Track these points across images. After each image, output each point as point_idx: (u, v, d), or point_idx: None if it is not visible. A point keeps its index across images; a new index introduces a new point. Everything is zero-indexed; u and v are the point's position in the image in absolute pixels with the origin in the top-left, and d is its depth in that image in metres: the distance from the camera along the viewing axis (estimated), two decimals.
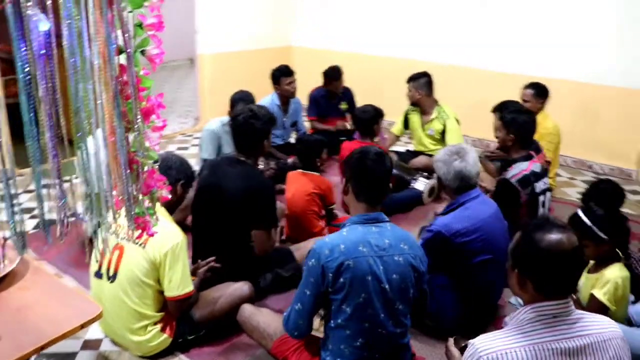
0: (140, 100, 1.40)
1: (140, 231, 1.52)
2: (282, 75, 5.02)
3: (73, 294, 1.91)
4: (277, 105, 5.07)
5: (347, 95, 5.77)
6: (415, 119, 4.99)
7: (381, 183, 2.19)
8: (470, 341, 1.66)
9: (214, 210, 2.93)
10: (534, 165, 3.23)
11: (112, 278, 2.34)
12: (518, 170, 3.17)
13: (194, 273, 2.62)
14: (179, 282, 2.34)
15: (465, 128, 5.08)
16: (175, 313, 2.44)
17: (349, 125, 5.66)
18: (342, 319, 2.08)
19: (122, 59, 1.34)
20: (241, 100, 4.13)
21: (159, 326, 2.41)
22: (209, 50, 6.53)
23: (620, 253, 2.57)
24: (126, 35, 1.31)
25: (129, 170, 1.40)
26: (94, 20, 1.26)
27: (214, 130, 4.24)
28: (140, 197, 1.47)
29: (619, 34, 5.22)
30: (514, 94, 4.64)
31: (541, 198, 3.24)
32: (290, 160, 4.92)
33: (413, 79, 4.80)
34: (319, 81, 5.73)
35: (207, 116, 6.56)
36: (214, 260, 2.70)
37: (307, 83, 5.68)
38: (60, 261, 3.31)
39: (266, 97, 5.09)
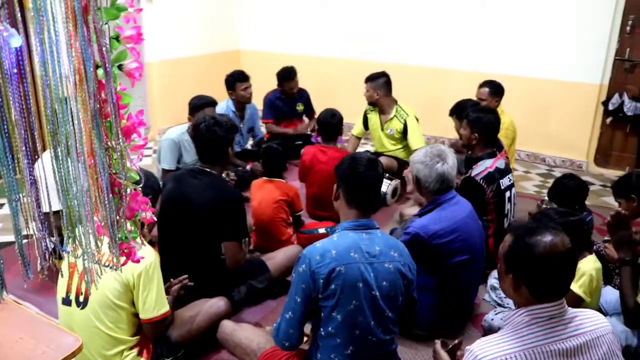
0: (120, 119, 1.30)
1: (124, 258, 1.42)
2: (236, 80, 4.90)
3: (48, 326, 1.77)
4: (232, 112, 4.96)
5: (303, 96, 5.70)
6: (374, 119, 4.98)
7: (373, 190, 2.18)
8: (468, 347, 1.65)
9: (181, 224, 2.81)
10: (498, 162, 3.27)
11: (82, 304, 2.20)
12: (483, 167, 3.20)
13: (166, 292, 2.50)
14: (154, 303, 2.22)
15: (421, 126, 5.12)
16: (152, 336, 2.32)
17: (309, 129, 5.62)
18: (332, 326, 2.03)
19: (100, 74, 1.24)
20: (205, 105, 4.01)
21: (135, 350, 2.29)
22: (157, 57, 6.34)
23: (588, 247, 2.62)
24: (103, 49, 1.21)
25: (111, 195, 1.31)
26: (67, 35, 1.16)
27: (173, 139, 4.10)
28: (123, 221, 1.37)
29: (567, 31, 5.41)
30: (468, 91, 4.72)
31: (507, 194, 3.28)
32: (248, 166, 4.83)
33: (371, 79, 4.79)
34: (270, 84, 5.65)
35: (158, 125, 6.37)
36: (187, 279, 2.59)
37: (258, 87, 5.57)
38: (16, 287, 3.10)
39: (221, 103, 4.96)
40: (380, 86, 4.74)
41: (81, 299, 2.20)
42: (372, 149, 5.30)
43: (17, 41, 1.07)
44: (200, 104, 4.00)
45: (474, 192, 3.14)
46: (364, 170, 2.13)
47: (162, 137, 4.35)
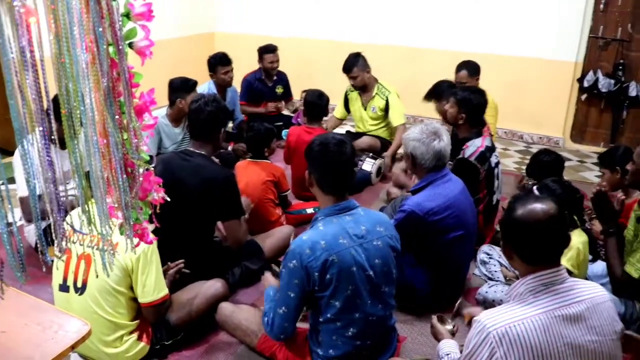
0: (132, 98, 1.28)
1: (137, 239, 1.41)
2: (218, 63, 4.83)
3: (52, 312, 1.74)
4: (214, 94, 4.90)
5: (283, 79, 5.66)
6: (355, 99, 4.98)
7: (346, 172, 2.12)
8: (476, 318, 1.68)
9: (174, 207, 2.77)
10: (486, 140, 3.30)
11: (80, 290, 2.17)
12: (474, 148, 3.22)
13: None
14: (153, 286, 2.21)
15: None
16: (152, 319, 2.31)
17: (283, 108, 5.56)
18: (331, 313, 2.05)
19: (111, 52, 1.21)
20: (183, 86, 3.95)
21: (135, 335, 2.28)
22: None
23: (577, 219, 2.69)
24: (115, 26, 1.19)
25: (125, 175, 1.29)
26: (79, 11, 1.13)
27: None
28: (137, 202, 1.35)
29: (542, 9, 5.47)
30: (444, 70, 4.73)
31: (495, 171, 3.33)
32: (230, 147, 4.79)
33: (354, 63, 4.71)
34: (246, 67, 5.58)
35: None
36: (183, 263, 2.57)
37: (235, 69, 5.51)
38: (6, 275, 3.03)
39: (202, 85, 4.90)
40: (365, 65, 4.74)
41: (79, 284, 2.18)
42: (353, 130, 5.30)
43: (32, 18, 1.03)
44: (189, 86, 3.94)
45: (469, 172, 3.15)
46: (334, 155, 2.08)
47: None
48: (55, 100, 1.11)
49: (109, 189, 1.29)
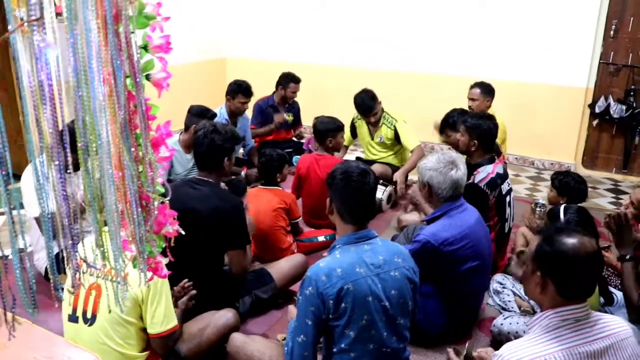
0: (149, 130, 1.26)
1: (151, 273, 1.38)
2: (241, 92, 4.88)
3: (62, 344, 1.71)
4: (225, 119, 4.92)
5: (295, 107, 5.69)
6: (362, 127, 4.98)
7: (367, 203, 2.10)
8: (496, 352, 1.64)
9: (184, 236, 2.75)
10: (498, 167, 3.28)
11: (90, 321, 2.13)
12: (485, 174, 3.19)
13: (174, 304, 2.45)
14: (163, 317, 2.16)
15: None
16: (161, 350, 2.26)
17: (286, 116, 5.54)
18: (345, 343, 2.00)
19: (129, 85, 1.20)
20: (197, 116, 3.96)
21: None
22: None
23: None
24: (134, 58, 1.18)
25: (140, 209, 1.27)
26: (98, 44, 1.12)
27: None
28: (151, 235, 1.33)
29: (553, 36, 5.48)
30: (457, 97, 4.73)
31: (507, 198, 3.30)
32: (243, 172, 4.79)
33: (373, 102, 4.68)
34: (256, 92, 5.60)
35: None
36: (188, 282, 2.54)
37: None
38: (16, 306, 3.01)
39: (215, 109, 4.93)
40: (377, 100, 4.72)
41: (89, 315, 2.14)
42: (362, 156, 5.29)
43: (53, 51, 1.03)
44: (208, 116, 3.94)
45: (478, 198, 3.11)
46: (357, 185, 2.05)
47: None
48: (72, 130, 1.10)
49: (124, 222, 1.27)
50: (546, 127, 5.72)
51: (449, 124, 4.12)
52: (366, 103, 4.68)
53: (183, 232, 1.46)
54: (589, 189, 5.17)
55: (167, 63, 1.30)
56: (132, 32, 1.21)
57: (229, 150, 2.83)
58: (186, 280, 2.55)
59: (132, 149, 1.23)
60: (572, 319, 1.59)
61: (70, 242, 1.17)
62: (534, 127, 5.75)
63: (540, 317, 1.64)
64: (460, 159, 2.71)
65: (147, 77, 1.29)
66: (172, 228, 1.40)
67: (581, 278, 1.60)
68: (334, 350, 2.04)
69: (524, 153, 5.90)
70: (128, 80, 1.20)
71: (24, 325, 1.80)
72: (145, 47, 1.25)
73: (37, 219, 2.88)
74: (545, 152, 5.82)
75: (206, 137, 2.77)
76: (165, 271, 1.40)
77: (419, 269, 2.57)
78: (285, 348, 2.07)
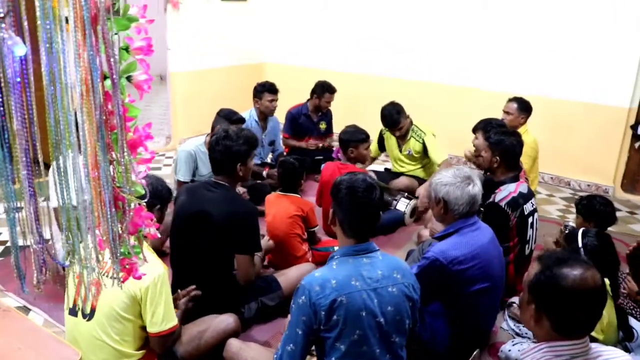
0: (126, 131, 1.27)
1: (124, 274, 1.38)
2: (265, 90, 4.91)
3: (48, 338, 1.75)
4: (255, 121, 4.95)
5: (328, 115, 5.67)
6: (390, 140, 4.93)
7: (370, 219, 2.06)
8: None
9: (194, 236, 2.78)
10: (521, 187, 3.17)
11: (88, 316, 2.16)
12: (506, 192, 3.09)
13: (175, 305, 2.46)
14: (162, 317, 2.18)
15: (443, 146, 5.04)
16: (159, 350, 2.27)
17: (321, 144, 5.55)
18: (336, 356, 1.96)
19: (107, 85, 1.21)
20: (223, 118, 4.00)
21: None
22: (181, 67, 6.38)
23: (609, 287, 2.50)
24: (111, 59, 1.18)
25: (114, 209, 1.27)
26: (76, 44, 1.13)
27: (189, 151, 4.09)
28: (126, 236, 1.33)
29: (595, 53, 5.29)
30: (492, 111, 4.61)
31: (530, 219, 3.18)
32: (265, 172, 4.79)
33: (399, 116, 4.65)
34: (293, 98, 5.62)
35: (180, 135, 6.40)
36: (195, 289, 2.55)
37: (280, 100, 5.55)
38: (28, 294, 3.10)
39: (245, 112, 4.97)
40: (405, 114, 4.68)
41: (87, 310, 2.17)
42: (391, 167, 5.22)
43: (21, 49, 1.03)
44: (232, 120, 3.96)
45: (498, 218, 3.02)
46: (362, 199, 2.00)
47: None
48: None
49: (98, 222, 1.27)
50: (584, 147, 5.51)
51: (482, 128, 4.00)
52: (393, 117, 4.64)
53: (159, 236, 1.44)
54: (627, 214, 4.99)
55: (149, 66, 1.30)
56: (115, 34, 1.22)
57: (241, 155, 2.83)
58: (193, 287, 2.57)
59: (108, 149, 1.24)
60: (567, 355, 1.50)
61: (37, 237, 1.18)
62: (571, 146, 5.55)
63: (534, 349, 1.56)
64: (476, 175, 2.63)
65: (129, 79, 1.29)
66: (151, 230, 1.39)
67: (578, 316, 1.48)
68: None
69: (560, 173, 5.71)
70: (108, 82, 1.21)
71: (18, 316, 1.84)
72: (126, 49, 1.26)
73: (55, 210, 2.95)
74: (582, 173, 5.60)
75: (218, 143, 2.80)
76: (140, 272, 1.39)
77: (426, 286, 2.51)
78: (275, 356, 2.04)
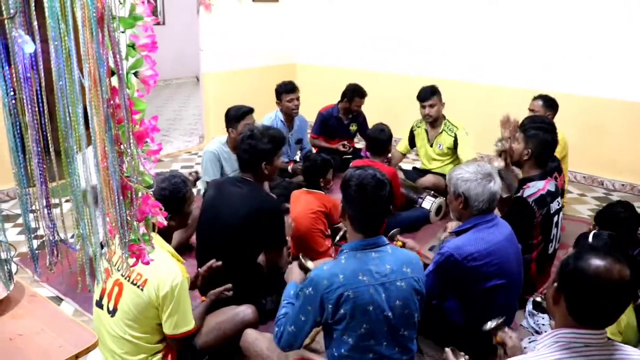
0: (133, 124, 1.34)
1: (134, 259, 1.46)
2: (283, 91, 4.95)
3: (69, 321, 1.84)
4: (281, 121, 5.02)
5: (360, 117, 5.67)
6: (422, 134, 4.93)
7: (379, 215, 2.09)
8: None
9: (221, 230, 2.87)
10: (550, 184, 3.10)
11: (112, 312, 2.22)
12: (535, 189, 3.03)
13: (195, 285, 2.53)
14: (179, 321, 2.20)
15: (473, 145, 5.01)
16: (176, 348, 2.31)
17: (349, 146, 5.58)
18: (344, 349, 2.00)
19: (114, 81, 1.29)
20: (243, 115, 4.09)
21: (159, 355, 2.31)
22: (213, 68, 6.52)
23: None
24: (117, 56, 1.26)
25: (121, 197, 1.35)
26: (84, 41, 1.21)
27: (212, 152, 4.15)
28: (135, 223, 1.41)
29: (625, 48, 5.16)
30: (521, 109, 4.56)
31: (555, 218, 3.14)
32: (290, 167, 4.84)
33: (433, 92, 4.69)
34: (324, 98, 5.67)
35: (212, 134, 6.53)
36: (229, 290, 2.63)
37: (311, 100, 5.64)
38: (60, 284, 3.25)
39: (270, 113, 5.05)
40: (441, 97, 4.71)
41: (111, 307, 2.22)
42: (419, 165, 5.22)
43: (30, 47, 1.12)
44: (238, 115, 4.06)
45: (524, 213, 2.99)
46: (371, 196, 2.02)
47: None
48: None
49: (108, 209, 1.35)
50: (617, 146, 5.37)
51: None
52: (424, 90, 4.73)
53: (166, 224, 1.51)
54: None
55: (155, 63, 1.37)
56: (122, 32, 1.30)
57: (267, 154, 2.91)
58: (229, 285, 2.63)
59: (115, 141, 1.32)
60: (580, 343, 1.48)
61: (48, 222, 1.27)
62: (604, 145, 5.43)
63: (548, 335, 1.56)
64: (496, 172, 2.62)
65: (136, 75, 1.37)
66: (159, 218, 1.47)
67: (595, 305, 1.47)
68: (335, 354, 2.05)
69: (592, 172, 5.58)
70: (115, 77, 1.29)
71: (42, 300, 1.95)
72: (132, 46, 1.34)
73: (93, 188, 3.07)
74: (615, 172, 5.47)
75: (243, 141, 2.91)
76: (149, 257, 1.46)
77: (441, 282, 2.53)
78: (276, 329, 2.10)
